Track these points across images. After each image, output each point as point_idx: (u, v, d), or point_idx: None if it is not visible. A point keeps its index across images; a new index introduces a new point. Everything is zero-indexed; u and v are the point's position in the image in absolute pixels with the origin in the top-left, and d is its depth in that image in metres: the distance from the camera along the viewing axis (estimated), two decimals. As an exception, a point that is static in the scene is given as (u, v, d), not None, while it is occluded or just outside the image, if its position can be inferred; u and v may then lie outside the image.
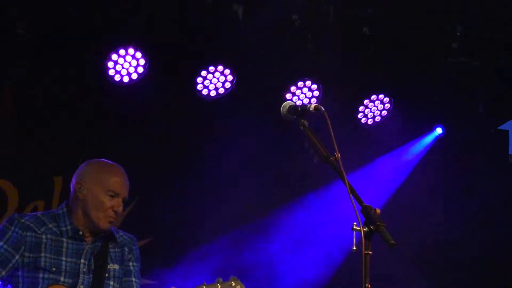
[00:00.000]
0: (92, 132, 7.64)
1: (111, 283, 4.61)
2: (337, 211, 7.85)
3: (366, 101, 8.18)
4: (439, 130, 8.49)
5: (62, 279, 4.49)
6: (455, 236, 8.43)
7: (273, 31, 7.59)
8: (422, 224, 8.34)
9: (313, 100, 7.90)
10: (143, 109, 7.65)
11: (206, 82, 7.72)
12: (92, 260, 4.58)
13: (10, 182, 7.52)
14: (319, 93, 7.94)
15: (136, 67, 7.44)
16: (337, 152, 3.84)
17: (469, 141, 8.54)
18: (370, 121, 8.24)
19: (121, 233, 4.78)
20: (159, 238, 7.67)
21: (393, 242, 3.58)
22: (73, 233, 4.57)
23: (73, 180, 4.68)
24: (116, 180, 4.62)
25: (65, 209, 4.66)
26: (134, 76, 7.47)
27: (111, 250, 4.67)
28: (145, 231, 7.63)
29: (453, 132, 8.50)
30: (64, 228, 4.59)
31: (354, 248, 3.62)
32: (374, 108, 8.20)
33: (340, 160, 3.82)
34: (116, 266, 4.66)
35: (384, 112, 8.22)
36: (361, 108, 8.20)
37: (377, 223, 3.63)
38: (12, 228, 4.53)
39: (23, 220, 4.56)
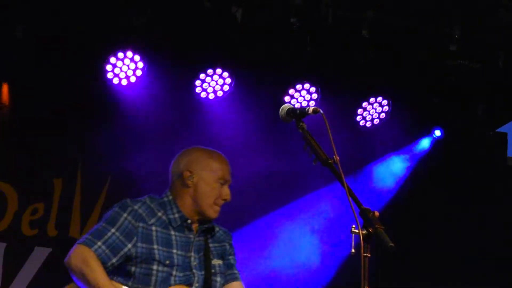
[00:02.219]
0: (91, 135, 7.64)
1: (218, 279, 4.53)
2: (335, 213, 7.86)
3: (364, 104, 8.18)
4: (437, 133, 8.49)
5: (174, 272, 4.39)
6: (454, 239, 8.43)
7: (272, 34, 7.60)
8: (420, 227, 8.34)
9: (312, 103, 7.90)
10: (142, 112, 7.65)
11: (205, 85, 7.73)
12: (200, 255, 4.50)
13: (9, 185, 7.52)
14: (318, 96, 7.95)
15: (134, 70, 7.45)
16: (336, 154, 3.84)
17: (468, 143, 8.55)
18: (368, 124, 8.25)
19: (217, 228, 4.68)
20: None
21: (392, 244, 3.58)
22: (181, 222, 4.47)
23: (177, 167, 4.62)
24: (224, 167, 4.58)
25: (170, 197, 4.57)
26: (133, 79, 7.47)
27: (211, 245, 4.58)
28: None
29: (451, 135, 8.50)
30: (172, 216, 4.49)
31: (353, 251, 3.63)
32: (372, 111, 8.21)
33: (338, 163, 3.82)
34: (220, 261, 4.58)
35: (383, 115, 8.22)
36: (359, 111, 8.21)
37: (376, 226, 3.63)
38: (125, 216, 4.42)
39: (136, 208, 4.45)
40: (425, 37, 7.80)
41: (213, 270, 4.50)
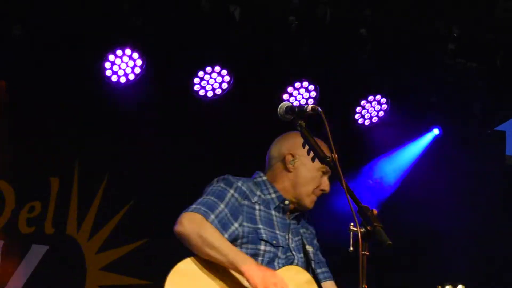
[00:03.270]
0: (89, 133, 7.63)
1: (313, 266, 4.46)
2: (333, 211, 7.85)
3: (363, 102, 8.18)
4: (436, 131, 8.50)
5: (279, 254, 4.33)
6: (452, 237, 8.43)
7: (270, 32, 7.59)
8: (420, 225, 8.34)
9: (310, 101, 7.90)
10: (140, 110, 7.65)
11: (203, 83, 7.72)
12: (299, 238, 4.43)
13: (7, 183, 7.52)
14: (316, 94, 7.94)
15: (133, 68, 7.43)
16: (334, 152, 3.84)
17: (466, 141, 8.55)
18: (367, 122, 8.24)
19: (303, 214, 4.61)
20: (155, 239, 7.67)
21: (390, 242, 3.58)
22: (279, 202, 4.40)
23: (280, 149, 4.54)
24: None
25: (264, 178, 4.49)
26: (131, 77, 7.45)
27: (301, 230, 4.52)
28: (140, 232, 7.63)
29: (450, 133, 8.51)
30: (269, 196, 4.43)
31: (351, 249, 3.63)
32: (371, 109, 8.20)
33: (337, 161, 3.82)
34: (311, 248, 4.51)
35: (381, 113, 8.22)
36: (358, 109, 8.20)
37: (374, 224, 3.63)
38: (232, 192, 4.35)
39: (239, 185, 4.36)
40: (423, 35, 7.80)
41: (308, 256, 4.44)
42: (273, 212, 4.40)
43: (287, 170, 4.46)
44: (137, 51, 7.38)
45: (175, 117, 7.80)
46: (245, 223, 4.29)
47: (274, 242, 4.31)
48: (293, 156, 4.47)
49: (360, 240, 3.60)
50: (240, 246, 4.27)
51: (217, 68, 7.67)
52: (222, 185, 4.37)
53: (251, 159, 8.00)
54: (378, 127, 8.24)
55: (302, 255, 4.42)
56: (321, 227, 4.81)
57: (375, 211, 3.71)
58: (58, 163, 7.63)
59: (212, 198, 4.30)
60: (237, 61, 7.72)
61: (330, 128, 3.85)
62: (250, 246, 4.29)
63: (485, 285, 8.29)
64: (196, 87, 7.71)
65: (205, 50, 7.61)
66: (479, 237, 8.47)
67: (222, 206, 4.27)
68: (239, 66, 7.74)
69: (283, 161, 4.50)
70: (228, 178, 4.42)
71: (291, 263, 4.36)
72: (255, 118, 7.87)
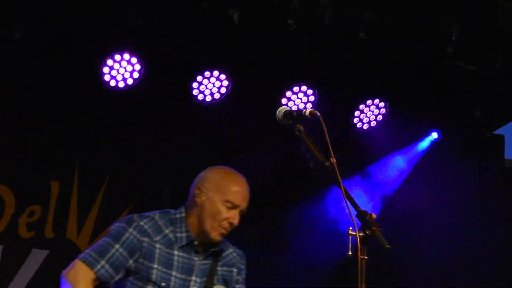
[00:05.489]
0: (88, 137, 7.64)
1: None
2: (332, 215, 7.86)
3: (361, 106, 8.18)
4: (434, 135, 8.50)
5: None
6: (452, 241, 8.44)
7: (269, 36, 7.60)
8: (418, 229, 8.35)
9: (309, 105, 7.90)
10: (139, 114, 7.65)
11: (202, 87, 7.72)
12: (203, 279, 4.35)
13: (7, 187, 7.52)
14: (315, 98, 7.95)
15: (131, 72, 7.43)
16: (333, 157, 3.83)
17: (465, 145, 8.56)
18: (365, 126, 8.25)
19: (231, 249, 4.53)
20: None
21: (389, 246, 3.59)
22: (187, 242, 4.35)
23: (193, 184, 4.48)
24: (236, 191, 4.37)
25: (183, 214, 4.44)
26: (130, 82, 7.45)
27: (218, 268, 4.44)
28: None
29: (448, 137, 8.51)
30: (179, 235, 4.36)
31: (350, 253, 3.63)
32: (369, 113, 8.21)
33: (335, 165, 3.82)
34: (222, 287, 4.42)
35: (380, 117, 8.22)
36: (356, 113, 8.21)
37: (373, 228, 3.63)
38: (130, 231, 4.30)
39: (142, 223, 4.32)
40: (422, 38, 7.80)
41: None
42: (176, 252, 4.34)
43: (195, 204, 4.40)
44: (135, 56, 7.39)
45: (173, 121, 7.80)
46: (140, 259, 4.28)
47: (163, 284, 4.27)
48: (200, 190, 4.40)
49: (359, 244, 3.61)
50: (131, 282, 4.29)
51: (216, 73, 7.67)
52: (122, 224, 4.34)
53: (250, 164, 8.06)
54: (377, 131, 8.25)
55: None
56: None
57: (373, 215, 3.71)
58: (58, 167, 7.64)
59: (108, 240, 4.29)
60: (235, 65, 7.73)
61: (329, 132, 3.85)
62: (139, 284, 4.28)
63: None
64: (195, 92, 7.72)
65: (204, 55, 7.62)
66: (477, 241, 8.47)
67: (117, 246, 4.26)
68: (237, 71, 7.74)
69: (193, 195, 4.45)
70: (131, 217, 4.39)
71: None
72: (254, 123, 7.88)
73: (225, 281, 4.44)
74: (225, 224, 4.34)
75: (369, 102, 8.17)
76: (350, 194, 3.75)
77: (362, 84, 8.09)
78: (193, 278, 4.34)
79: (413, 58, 7.91)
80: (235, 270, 4.49)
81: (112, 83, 7.43)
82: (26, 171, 7.52)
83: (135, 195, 7.76)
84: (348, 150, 7.81)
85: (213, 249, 4.40)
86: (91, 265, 4.23)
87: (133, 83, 7.46)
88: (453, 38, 7.76)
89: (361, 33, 7.63)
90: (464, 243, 8.43)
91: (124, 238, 4.28)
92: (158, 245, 4.31)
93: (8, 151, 7.49)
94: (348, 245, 3.62)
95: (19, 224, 7.52)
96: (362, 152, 8.33)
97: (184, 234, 4.37)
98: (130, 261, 4.27)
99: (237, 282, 4.50)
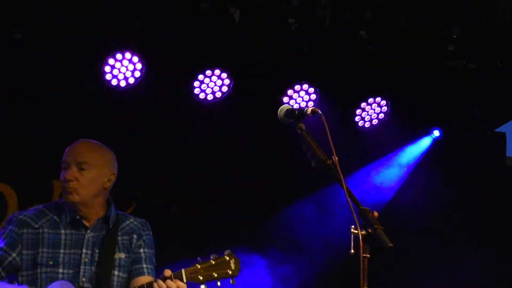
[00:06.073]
0: (90, 136, 7.61)
1: (116, 272, 4.56)
2: (334, 214, 7.85)
3: (363, 104, 8.18)
4: (436, 133, 8.50)
5: (60, 271, 4.45)
6: (454, 239, 8.43)
7: (270, 35, 7.60)
8: (420, 227, 8.34)
9: (310, 104, 7.90)
10: (140, 113, 7.65)
11: (203, 86, 7.72)
12: (96, 250, 4.54)
13: (9, 186, 7.52)
14: (316, 97, 7.95)
15: (133, 71, 7.44)
16: (335, 155, 3.84)
17: (467, 143, 8.55)
18: (367, 124, 8.25)
19: (131, 219, 4.74)
20: (157, 243, 7.66)
21: (391, 244, 3.59)
22: (70, 219, 4.55)
23: None
24: (67, 153, 4.73)
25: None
26: (131, 81, 7.46)
27: (119, 238, 4.62)
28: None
29: (450, 135, 8.50)
30: (63, 215, 4.58)
31: (352, 251, 3.63)
32: (371, 111, 8.21)
33: (337, 164, 3.82)
34: (122, 255, 4.61)
35: (381, 115, 8.22)
36: (358, 111, 8.21)
37: (375, 226, 3.63)
38: (10, 227, 4.53)
39: (20, 217, 4.56)
40: (423, 37, 7.80)
41: (112, 264, 4.53)
42: (62, 231, 4.54)
43: None
44: (137, 55, 7.39)
45: (175, 120, 7.80)
46: (24, 251, 4.48)
47: (51, 262, 4.45)
48: None
49: (361, 242, 3.61)
50: (22, 275, 4.47)
51: (217, 71, 7.68)
52: (4, 224, 4.57)
53: (251, 162, 8.06)
54: (378, 129, 8.25)
55: (97, 267, 4.49)
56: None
57: (375, 213, 3.72)
58: (60, 166, 7.62)
59: None
60: (237, 64, 7.73)
61: (330, 130, 3.85)
62: (30, 272, 4.46)
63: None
64: (196, 91, 7.72)
65: (205, 53, 7.62)
66: (479, 239, 8.46)
67: (1, 244, 4.48)
68: (239, 69, 7.74)
69: None
70: (11, 215, 4.61)
71: (76, 278, 4.45)
72: (255, 121, 7.88)
73: (126, 249, 4.62)
74: (64, 184, 4.57)
75: (370, 100, 8.17)
76: (352, 192, 3.76)
77: (363, 82, 8.08)
78: (84, 251, 4.50)
79: (414, 56, 7.91)
80: (135, 236, 4.67)
81: (114, 82, 7.43)
82: (28, 170, 7.51)
83: (138, 193, 7.75)
84: (349, 148, 7.81)
85: (97, 218, 4.58)
86: None
87: (134, 82, 7.47)
88: (454, 37, 7.76)
89: (362, 31, 7.64)
90: (466, 241, 8.42)
91: (4, 235, 4.50)
92: (42, 230, 4.52)
93: (10, 150, 7.48)
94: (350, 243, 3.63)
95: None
96: (363, 150, 8.33)
97: (67, 214, 4.56)
98: (14, 255, 4.47)
99: (139, 247, 4.66)
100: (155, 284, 4.38)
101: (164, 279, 4.38)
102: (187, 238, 7.71)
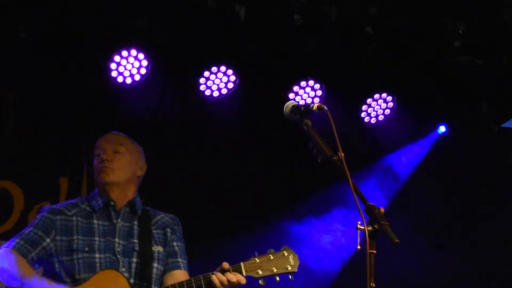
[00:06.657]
0: (96, 133, 7.62)
1: (156, 265, 4.63)
2: (341, 209, 7.85)
3: (369, 100, 8.18)
4: (442, 129, 8.49)
5: (97, 255, 4.53)
6: (459, 235, 8.43)
7: (276, 31, 7.60)
8: (426, 223, 8.34)
9: (316, 100, 7.90)
10: (146, 110, 7.66)
11: (209, 83, 7.73)
12: (132, 241, 4.62)
13: (15, 184, 7.54)
14: (322, 93, 7.95)
15: (138, 68, 7.46)
16: (341, 151, 3.83)
17: (473, 139, 8.54)
18: (373, 120, 8.25)
19: (162, 214, 4.86)
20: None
21: (397, 241, 3.58)
22: (102, 202, 4.67)
23: None
24: (97, 144, 4.91)
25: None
26: (137, 78, 7.48)
27: (153, 231, 4.70)
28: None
29: (456, 130, 8.50)
30: (94, 203, 4.69)
31: (359, 247, 3.63)
32: (377, 107, 8.21)
33: (343, 160, 3.82)
34: (160, 248, 4.68)
35: (388, 111, 8.22)
36: (364, 107, 8.21)
37: (381, 222, 3.63)
38: (43, 214, 4.64)
39: (53, 206, 4.69)
40: (429, 33, 7.79)
41: (151, 257, 4.60)
42: (95, 221, 4.64)
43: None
44: (142, 52, 7.40)
45: (181, 117, 7.81)
46: (58, 237, 4.57)
47: (87, 248, 4.53)
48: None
49: (367, 238, 3.61)
50: (58, 261, 4.54)
51: (223, 68, 7.68)
52: (36, 215, 4.70)
53: (258, 158, 8.06)
54: (384, 125, 8.25)
55: (132, 258, 4.57)
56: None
57: (382, 209, 3.71)
58: (66, 164, 7.64)
59: (27, 227, 4.67)
60: (242, 60, 7.73)
61: (336, 126, 3.85)
62: (65, 258, 4.54)
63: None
64: (202, 87, 7.73)
65: (211, 50, 7.62)
66: (487, 236, 8.45)
67: (31, 228, 4.62)
68: (244, 65, 7.75)
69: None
70: (44, 207, 4.75)
71: (115, 266, 4.51)
72: (261, 117, 7.88)
73: (161, 242, 4.71)
74: (99, 165, 4.73)
75: (376, 96, 8.16)
76: (358, 188, 3.76)
77: (369, 78, 8.08)
78: (117, 240, 4.60)
79: (420, 52, 7.90)
80: (169, 230, 4.79)
81: (120, 79, 7.45)
82: (34, 168, 7.52)
83: (145, 190, 7.75)
84: (356, 144, 7.81)
85: (124, 206, 4.69)
86: (9, 245, 4.59)
87: (140, 79, 7.48)
88: (460, 32, 7.75)
89: (367, 27, 7.63)
90: (473, 238, 8.41)
91: (37, 222, 4.62)
92: (76, 218, 4.62)
93: (16, 148, 7.50)
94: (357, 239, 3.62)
95: (28, 221, 7.53)
96: (370, 146, 8.32)
97: (100, 201, 4.68)
98: (48, 240, 4.55)
99: (173, 240, 4.77)
100: (213, 277, 4.38)
101: (223, 271, 4.39)
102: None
